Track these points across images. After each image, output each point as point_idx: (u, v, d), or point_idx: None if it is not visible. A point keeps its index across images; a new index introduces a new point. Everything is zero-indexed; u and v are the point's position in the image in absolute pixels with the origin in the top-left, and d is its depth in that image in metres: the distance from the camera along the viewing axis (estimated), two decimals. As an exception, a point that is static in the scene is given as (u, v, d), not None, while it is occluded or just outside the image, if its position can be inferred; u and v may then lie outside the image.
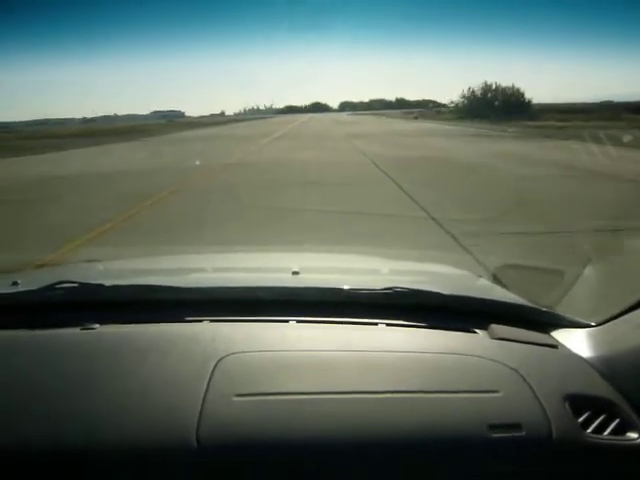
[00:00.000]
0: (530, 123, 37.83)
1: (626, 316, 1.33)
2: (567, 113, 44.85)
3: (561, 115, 43.37)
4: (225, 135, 37.98)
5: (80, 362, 1.26)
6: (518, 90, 61.11)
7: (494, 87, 62.45)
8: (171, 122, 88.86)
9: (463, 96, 64.57)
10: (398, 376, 1.21)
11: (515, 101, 58.49)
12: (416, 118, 67.95)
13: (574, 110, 48.13)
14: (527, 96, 60.91)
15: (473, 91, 63.70)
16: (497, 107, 56.63)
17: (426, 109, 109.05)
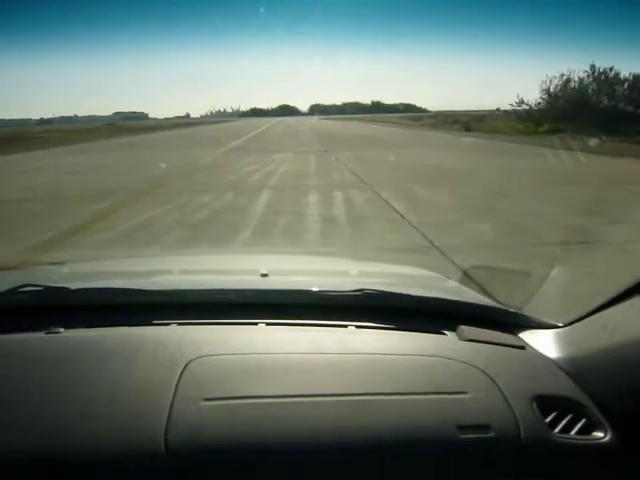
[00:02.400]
0: None
1: (593, 317, 1.35)
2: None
3: None
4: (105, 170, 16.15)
5: (45, 367, 1.23)
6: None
7: (612, 75, 32.71)
8: (110, 125, 72.55)
9: (546, 91, 34.50)
10: (367, 378, 1.21)
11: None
12: (468, 129, 36.13)
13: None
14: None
15: (568, 81, 34.09)
16: (608, 111, 29.83)
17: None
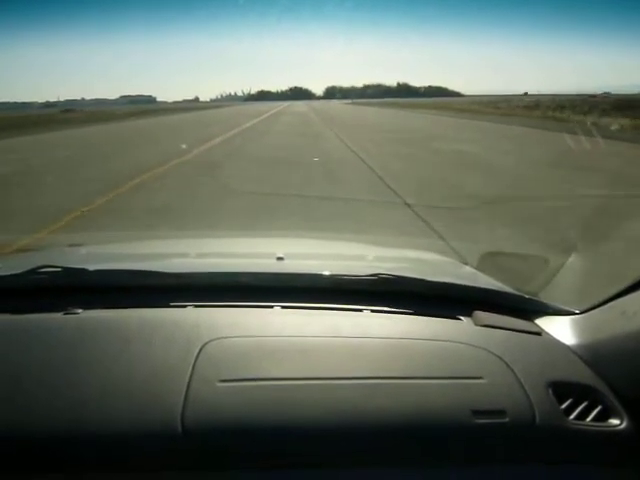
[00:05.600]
0: None
1: (610, 304, 1.34)
2: None
3: None
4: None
5: (63, 347, 1.25)
6: None
7: None
8: (67, 112, 63.94)
9: None
10: (383, 362, 1.21)
11: None
12: None
13: None
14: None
15: None
16: None
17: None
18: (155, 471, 1.02)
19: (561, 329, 1.40)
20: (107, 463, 1.03)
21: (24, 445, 1.02)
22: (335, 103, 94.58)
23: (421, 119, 36.89)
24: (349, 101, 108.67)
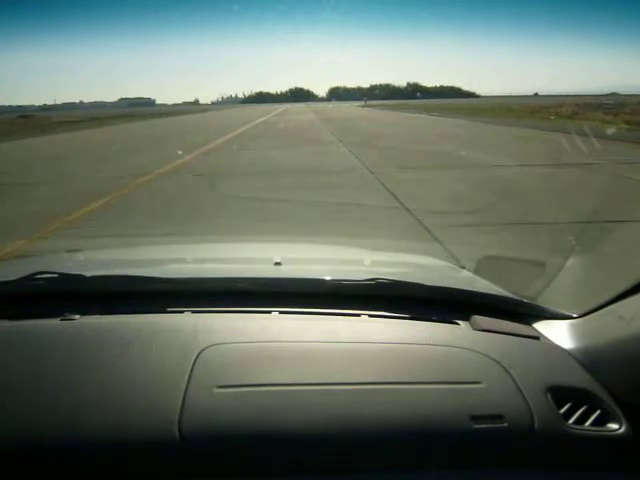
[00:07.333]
0: None
1: (608, 308, 1.34)
2: None
3: None
4: None
5: (60, 354, 1.24)
6: None
7: None
8: (23, 117, 58.08)
9: None
10: (381, 367, 1.21)
11: None
12: None
13: None
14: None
15: None
16: None
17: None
18: (152, 478, 1.02)
19: (559, 333, 1.40)
20: (104, 469, 1.02)
21: (21, 452, 1.01)
22: (345, 106, 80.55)
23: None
24: (361, 103, 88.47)
